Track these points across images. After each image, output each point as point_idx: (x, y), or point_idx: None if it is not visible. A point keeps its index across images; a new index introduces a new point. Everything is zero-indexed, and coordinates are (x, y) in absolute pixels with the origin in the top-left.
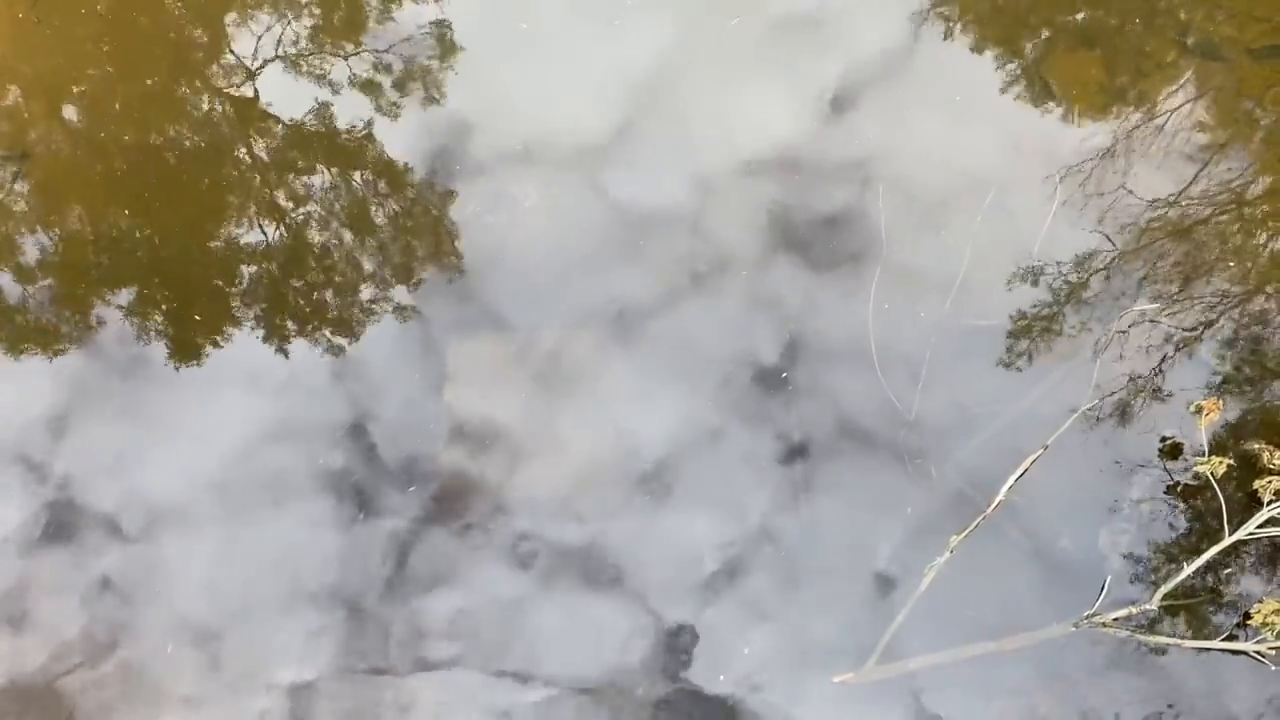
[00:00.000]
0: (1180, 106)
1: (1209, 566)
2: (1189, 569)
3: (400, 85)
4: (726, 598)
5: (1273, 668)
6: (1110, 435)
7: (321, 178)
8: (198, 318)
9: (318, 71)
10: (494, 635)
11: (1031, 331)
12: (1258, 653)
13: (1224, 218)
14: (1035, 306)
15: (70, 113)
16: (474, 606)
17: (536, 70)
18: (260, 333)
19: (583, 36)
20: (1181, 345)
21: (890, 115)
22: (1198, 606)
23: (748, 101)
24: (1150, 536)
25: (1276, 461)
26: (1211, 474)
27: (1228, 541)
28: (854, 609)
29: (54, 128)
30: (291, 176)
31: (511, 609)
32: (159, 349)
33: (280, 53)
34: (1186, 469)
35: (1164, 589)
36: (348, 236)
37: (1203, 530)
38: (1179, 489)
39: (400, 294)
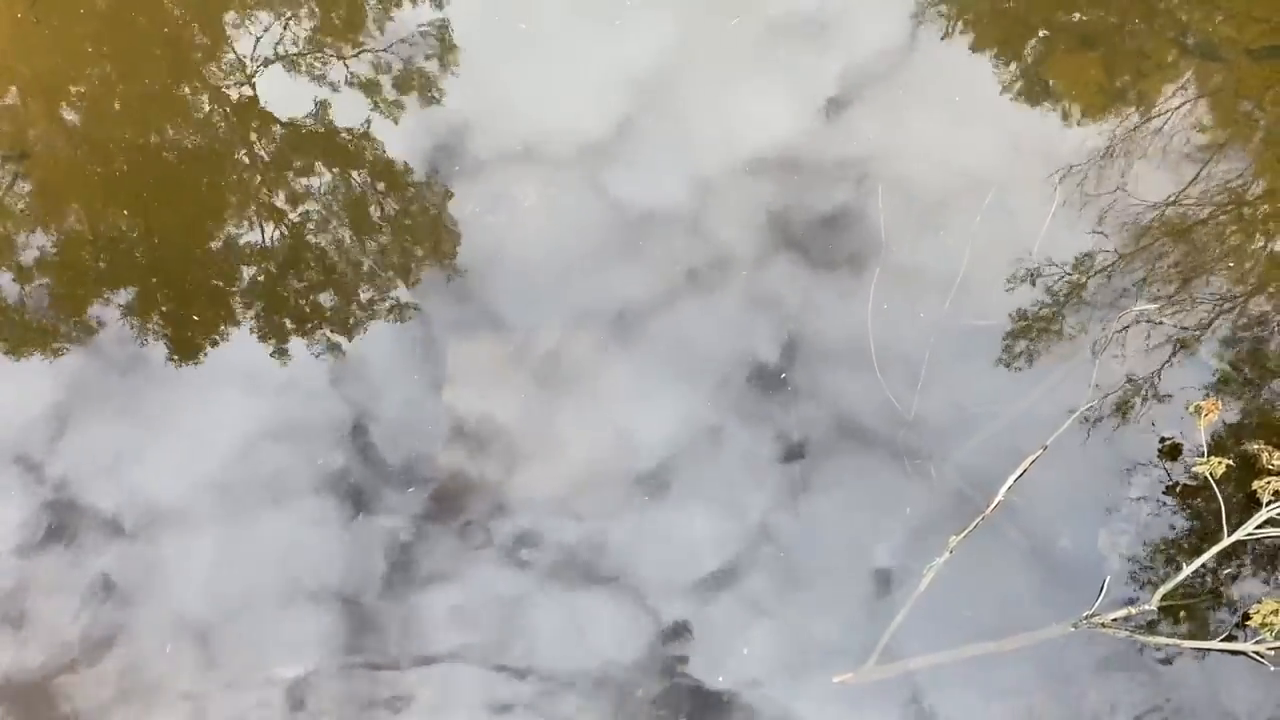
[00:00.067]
0: (1179, 107)
1: (1208, 567)
2: (1188, 569)
3: (400, 85)
4: (725, 597)
5: (1272, 668)
6: (1109, 436)
7: (321, 178)
8: (196, 318)
9: (317, 71)
10: (491, 634)
11: (1031, 332)
12: (1257, 653)
13: (1223, 218)
14: (1034, 307)
15: (69, 113)
16: (472, 604)
17: (536, 70)
18: (259, 333)
19: (582, 36)
20: (1181, 346)
21: (890, 115)
22: (1197, 607)
23: (747, 101)
24: (1149, 537)
25: (1275, 462)
26: (1210, 474)
27: (1227, 542)
28: (853, 609)
29: (53, 128)
30: (291, 176)
31: (508, 607)
32: (157, 349)
33: (279, 53)
34: (1185, 469)
35: (1163, 589)
36: (347, 237)
37: (1202, 531)
38: (1178, 489)
39: (399, 294)
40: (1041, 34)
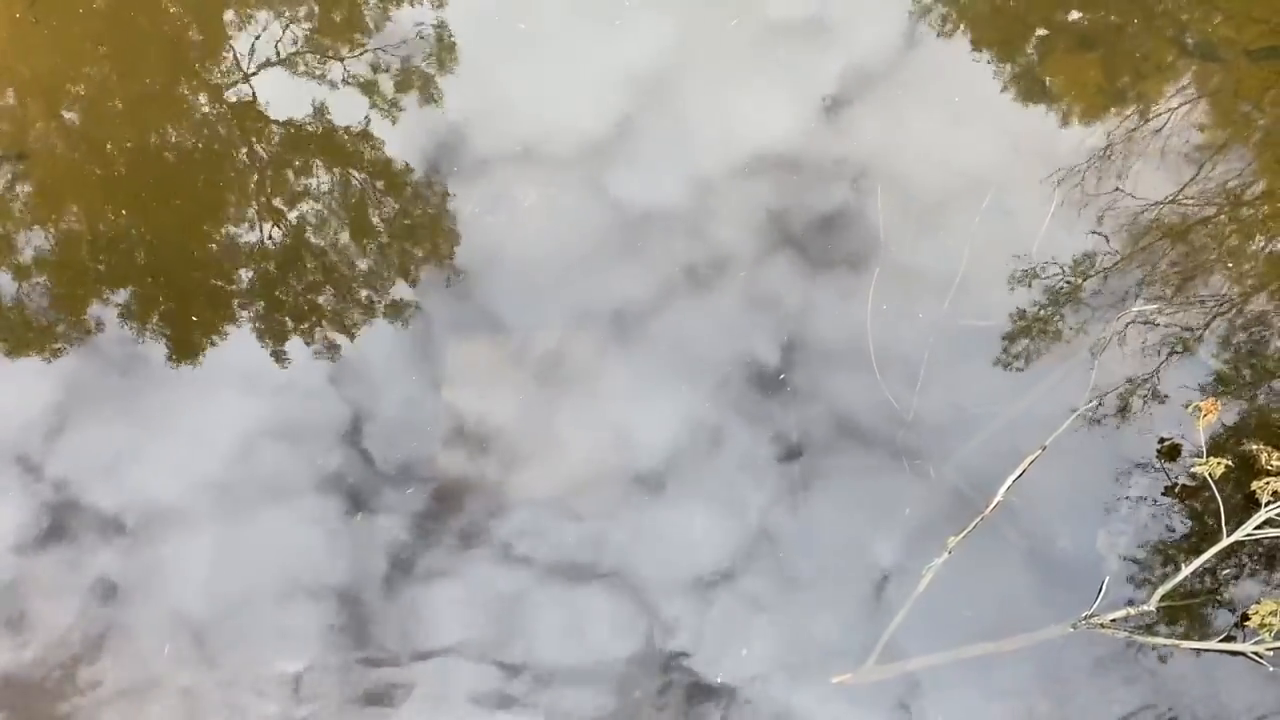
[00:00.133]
0: (1178, 108)
1: (1207, 568)
2: (1187, 570)
3: (399, 85)
4: (724, 597)
5: (1270, 668)
6: (1108, 436)
7: (320, 178)
8: (195, 318)
9: (316, 72)
10: (489, 632)
11: (1030, 332)
12: (1255, 653)
13: (1222, 219)
14: (1033, 307)
15: (68, 113)
16: (469, 602)
17: (535, 70)
18: (257, 333)
19: (582, 37)
20: (1180, 346)
21: (889, 116)
22: (1196, 607)
23: (747, 102)
24: (1148, 537)
25: (1274, 463)
26: (1209, 475)
27: (1226, 543)
28: (852, 610)
29: (52, 128)
30: (290, 177)
31: (504, 605)
32: (156, 349)
33: (278, 53)
34: (1184, 470)
35: (1162, 590)
36: (346, 237)
37: (1201, 531)
38: (1177, 490)
39: (399, 294)
40: (1040, 34)
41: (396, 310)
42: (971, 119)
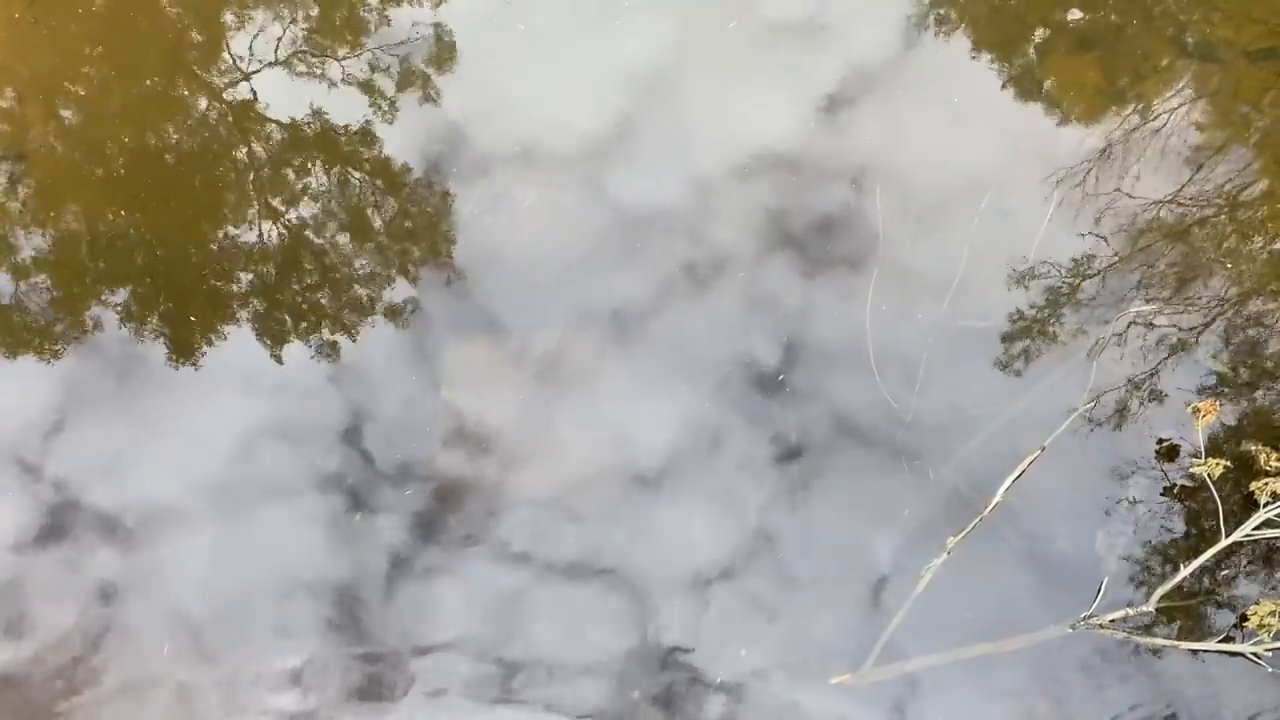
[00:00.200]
0: (1177, 109)
1: (1206, 568)
2: (1185, 571)
3: (398, 86)
4: (723, 598)
5: (1269, 669)
6: (1107, 437)
7: (319, 179)
8: (193, 319)
9: (315, 72)
10: (487, 629)
11: (1029, 333)
12: (1254, 654)
13: (1221, 220)
14: (1032, 308)
15: (67, 113)
16: (468, 600)
17: (535, 71)
18: (256, 334)
19: (581, 37)
20: (1178, 347)
21: (888, 117)
22: (1194, 608)
23: (746, 103)
24: (1147, 538)
25: (1273, 464)
26: (1208, 476)
27: (1224, 543)
28: (851, 610)
29: (50, 128)
30: (289, 177)
31: (502, 604)
32: (155, 349)
33: (278, 54)
34: (1183, 471)
35: (1161, 591)
36: (345, 238)
37: (1199, 532)
38: (1176, 491)
39: (398, 294)
40: (1039, 35)
41: (396, 310)
42: (970, 119)
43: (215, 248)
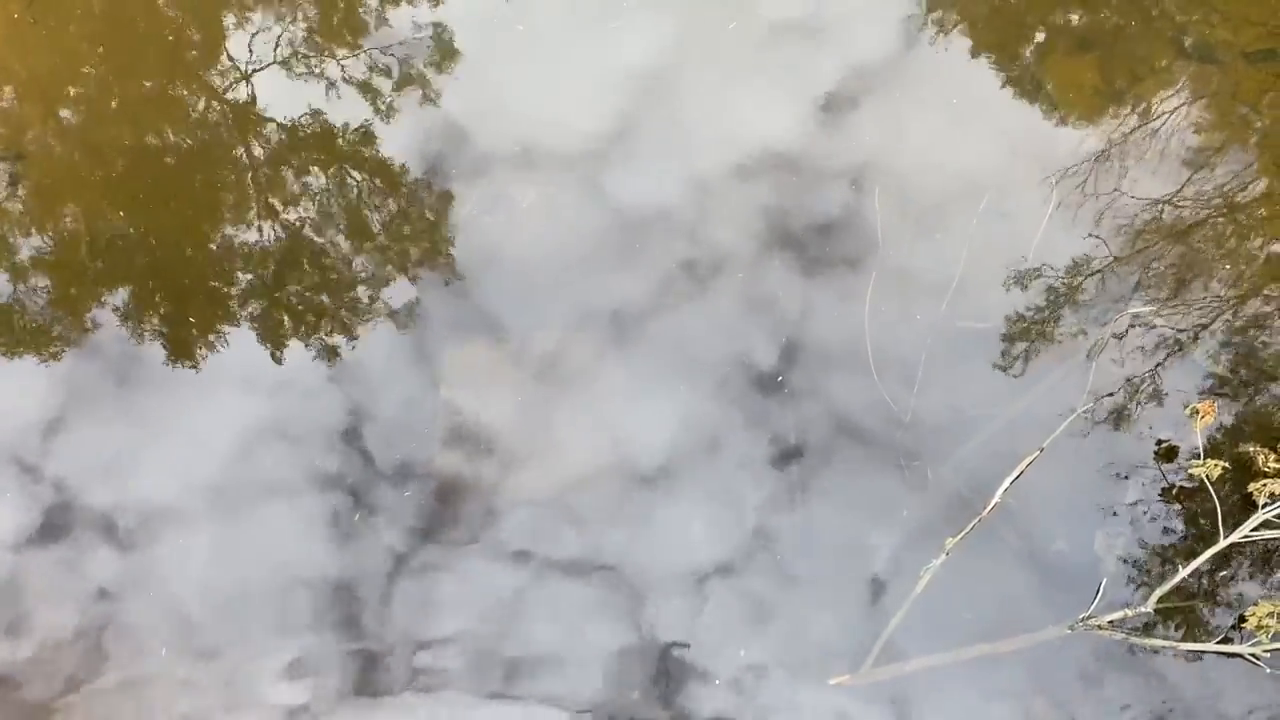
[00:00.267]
0: (1176, 110)
1: (1204, 569)
2: (1184, 572)
3: (397, 87)
4: (721, 598)
5: (1267, 670)
6: (1106, 438)
7: (318, 179)
8: (192, 319)
9: (314, 73)
10: (486, 626)
11: (1027, 334)
12: (1252, 655)
13: (1220, 221)
14: (1031, 309)
15: (66, 113)
16: (466, 598)
17: (534, 72)
18: (254, 335)
19: (580, 38)
20: (1177, 348)
21: (887, 118)
22: (1193, 609)
23: (745, 104)
24: (1145, 539)
25: (1272, 465)
26: (1206, 477)
27: (1223, 544)
28: (850, 611)
29: (49, 128)
30: (288, 178)
31: (499, 603)
32: (153, 350)
33: (277, 54)
34: (1182, 472)
35: (1159, 592)
36: (344, 238)
37: (1198, 533)
38: (1174, 492)
39: (397, 295)
40: (1038, 37)
41: (395, 311)
42: (969, 121)
43: (214, 248)
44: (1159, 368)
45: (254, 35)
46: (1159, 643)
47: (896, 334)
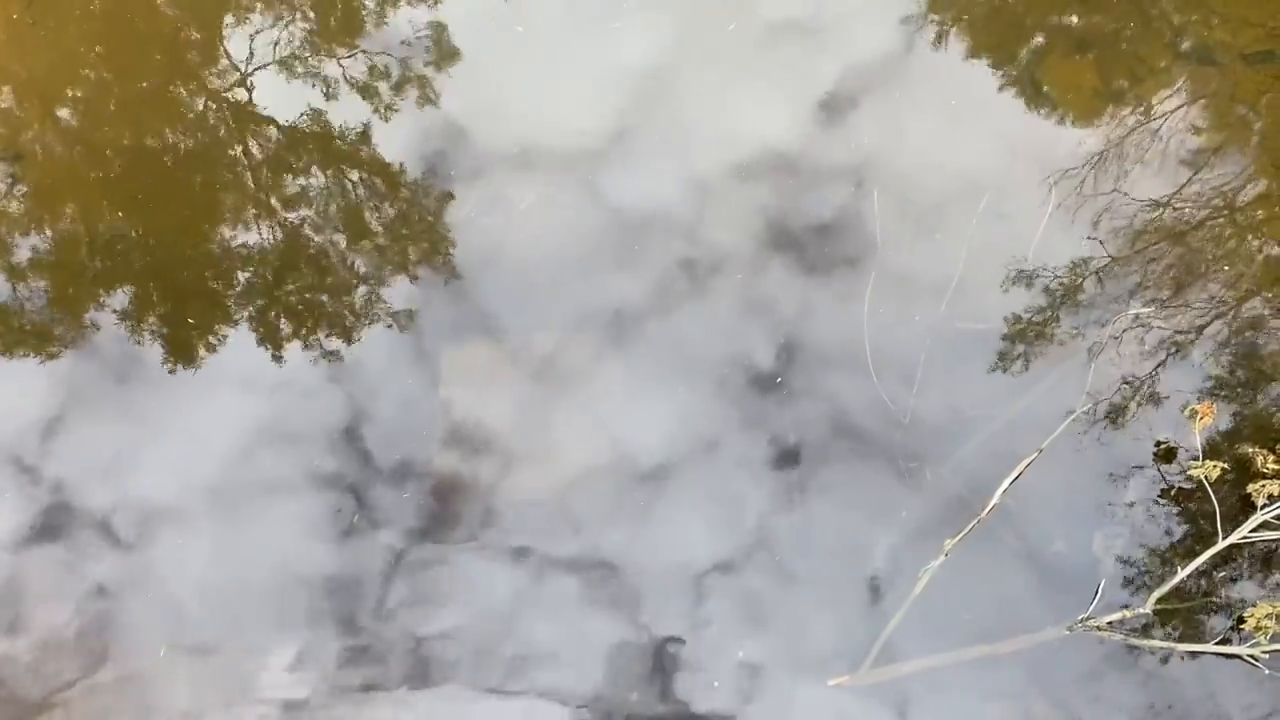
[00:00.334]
0: (1174, 111)
1: (1203, 570)
2: (1183, 573)
3: (396, 88)
4: (720, 599)
5: (1266, 671)
6: (1104, 439)
7: (317, 180)
8: (191, 320)
9: (313, 74)
10: (485, 622)
11: (1026, 335)
12: (1251, 656)
13: (1218, 222)
14: (1030, 310)
15: (64, 114)
16: (466, 597)
17: (533, 73)
18: (253, 336)
19: (579, 39)
20: (1176, 349)
21: (886, 119)
22: (1191, 610)
23: (744, 105)
24: (1144, 540)
25: (1270, 466)
26: (1205, 478)
27: (1221, 545)
28: (849, 612)
29: (48, 129)
30: (287, 179)
31: (498, 602)
32: (152, 351)
33: (276, 55)
34: (1180, 473)
35: (1158, 593)
36: (343, 239)
37: (1196, 534)
38: (1173, 493)
39: (396, 296)
40: (1037, 38)
41: (394, 312)
42: (968, 121)
43: (213, 248)
44: (1158, 369)
45: (253, 36)
46: (1158, 644)
47: (895, 335)
